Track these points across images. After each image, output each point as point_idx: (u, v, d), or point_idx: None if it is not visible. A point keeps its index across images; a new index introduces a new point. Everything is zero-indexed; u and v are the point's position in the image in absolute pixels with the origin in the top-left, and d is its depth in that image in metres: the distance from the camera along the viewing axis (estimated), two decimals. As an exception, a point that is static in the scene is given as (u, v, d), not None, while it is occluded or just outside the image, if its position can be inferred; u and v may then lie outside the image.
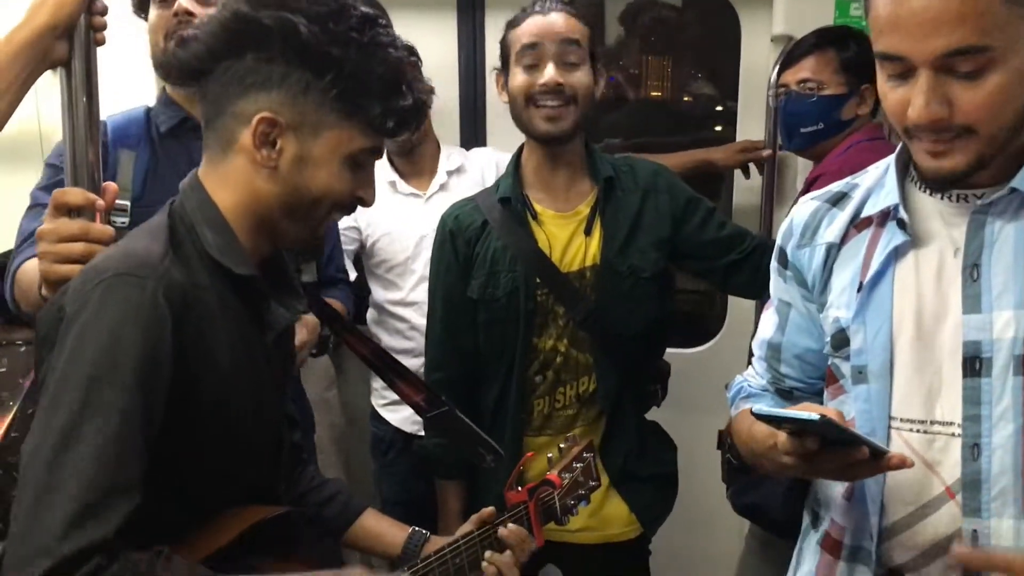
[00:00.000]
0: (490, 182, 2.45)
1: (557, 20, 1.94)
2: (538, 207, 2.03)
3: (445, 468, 2.11)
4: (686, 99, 3.44)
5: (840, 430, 1.15)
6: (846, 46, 2.28)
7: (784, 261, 1.46)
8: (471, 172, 2.62)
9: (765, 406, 1.30)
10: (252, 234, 1.29)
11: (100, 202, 1.41)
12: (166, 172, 1.88)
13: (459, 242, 2.04)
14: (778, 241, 1.48)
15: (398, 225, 2.56)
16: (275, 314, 1.35)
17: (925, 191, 1.31)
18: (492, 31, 2.86)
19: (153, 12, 1.90)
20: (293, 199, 1.26)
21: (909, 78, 1.16)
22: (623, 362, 2.03)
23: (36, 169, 1.91)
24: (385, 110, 1.26)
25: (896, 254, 1.30)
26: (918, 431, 1.28)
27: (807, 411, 1.14)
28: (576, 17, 1.97)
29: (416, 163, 2.61)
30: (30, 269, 1.57)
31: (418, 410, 1.81)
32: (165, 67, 1.87)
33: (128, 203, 1.60)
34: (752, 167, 2.74)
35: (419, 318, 2.47)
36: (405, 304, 2.55)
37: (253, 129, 1.23)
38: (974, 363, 1.22)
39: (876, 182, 1.37)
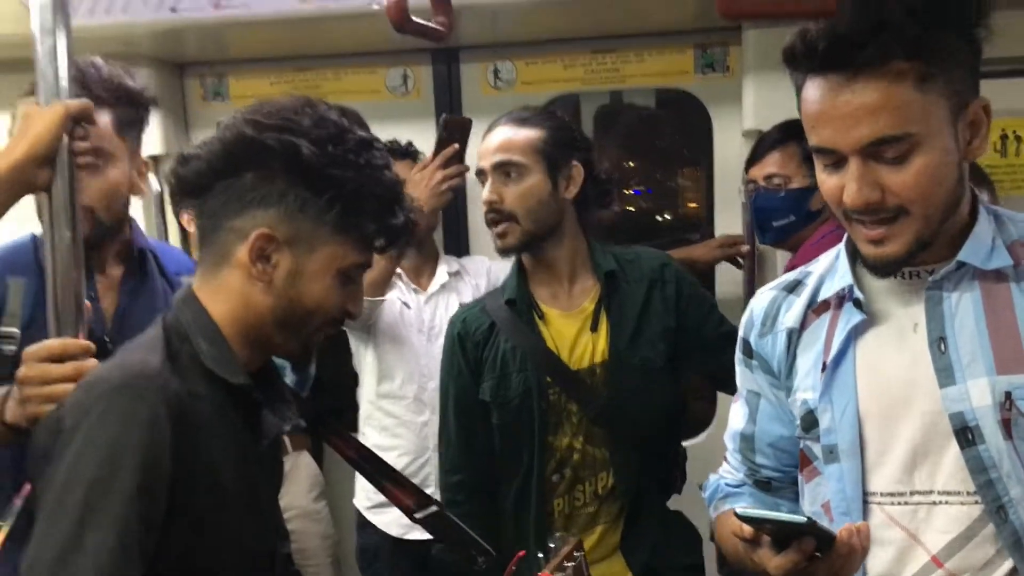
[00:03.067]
0: (483, 288, 2.51)
1: (496, 139, 2.02)
2: (543, 307, 2.06)
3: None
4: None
5: (826, 532, 1.16)
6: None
7: (749, 351, 1.49)
8: (466, 278, 2.68)
9: (748, 507, 1.30)
10: (245, 345, 1.32)
11: (91, 347, 1.40)
12: None
13: (468, 345, 2.07)
14: (740, 333, 1.52)
15: (397, 315, 2.58)
16: (267, 423, 1.37)
17: None
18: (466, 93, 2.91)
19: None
20: (286, 312, 1.30)
21: (842, 167, 1.24)
22: (640, 454, 2.02)
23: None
24: (379, 228, 1.32)
25: (855, 332, 1.34)
26: (898, 503, 1.30)
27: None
28: (525, 125, 2.02)
29: (419, 263, 2.67)
30: None
31: (408, 512, 1.81)
32: None
33: (17, 330, 1.61)
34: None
35: (408, 414, 2.50)
36: (395, 398, 2.54)
37: (251, 245, 1.27)
38: (966, 433, 1.25)
39: (828, 268, 1.43)
